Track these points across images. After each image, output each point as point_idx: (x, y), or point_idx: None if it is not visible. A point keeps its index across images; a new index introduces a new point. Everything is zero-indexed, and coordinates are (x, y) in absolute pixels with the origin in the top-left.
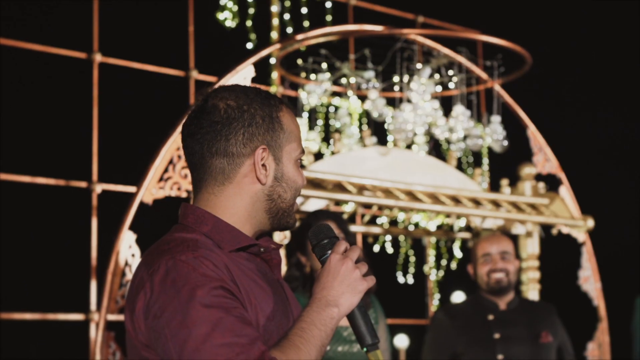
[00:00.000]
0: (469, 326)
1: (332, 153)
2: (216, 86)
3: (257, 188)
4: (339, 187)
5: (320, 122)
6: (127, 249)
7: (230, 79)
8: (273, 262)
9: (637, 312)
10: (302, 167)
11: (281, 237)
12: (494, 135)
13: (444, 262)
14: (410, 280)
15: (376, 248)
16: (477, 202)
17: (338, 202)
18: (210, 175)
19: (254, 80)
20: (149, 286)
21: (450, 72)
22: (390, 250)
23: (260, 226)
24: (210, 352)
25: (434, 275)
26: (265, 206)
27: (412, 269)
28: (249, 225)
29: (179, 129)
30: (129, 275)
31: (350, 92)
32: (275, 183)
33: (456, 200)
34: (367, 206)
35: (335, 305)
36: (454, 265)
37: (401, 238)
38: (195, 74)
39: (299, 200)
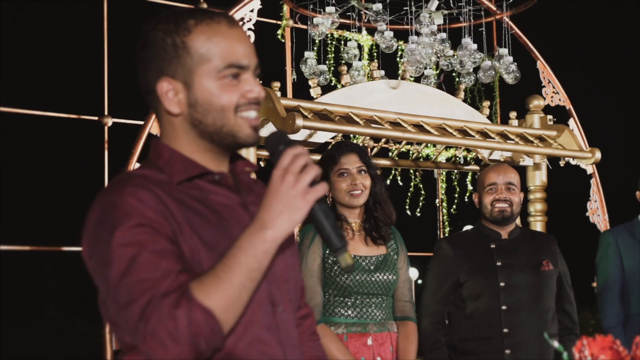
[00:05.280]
0: (471, 254)
1: (342, 86)
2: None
3: (177, 119)
4: (347, 119)
5: (329, 55)
6: None
7: (236, 12)
8: (242, 186)
9: (600, 247)
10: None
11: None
12: (506, 67)
13: (455, 195)
14: (421, 213)
15: (387, 181)
16: (485, 134)
17: (346, 135)
18: (154, 109)
19: (261, 12)
20: (85, 228)
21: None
22: (400, 183)
23: (212, 151)
24: (125, 289)
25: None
26: (195, 133)
27: (422, 202)
28: (201, 153)
29: None
30: None
31: (358, 25)
32: (191, 110)
33: (464, 132)
34: (376, 140)
35: (270, 227)
36: (465, 198)
37: (411, 172)
38: (204, 6)
39: (305, 133)
